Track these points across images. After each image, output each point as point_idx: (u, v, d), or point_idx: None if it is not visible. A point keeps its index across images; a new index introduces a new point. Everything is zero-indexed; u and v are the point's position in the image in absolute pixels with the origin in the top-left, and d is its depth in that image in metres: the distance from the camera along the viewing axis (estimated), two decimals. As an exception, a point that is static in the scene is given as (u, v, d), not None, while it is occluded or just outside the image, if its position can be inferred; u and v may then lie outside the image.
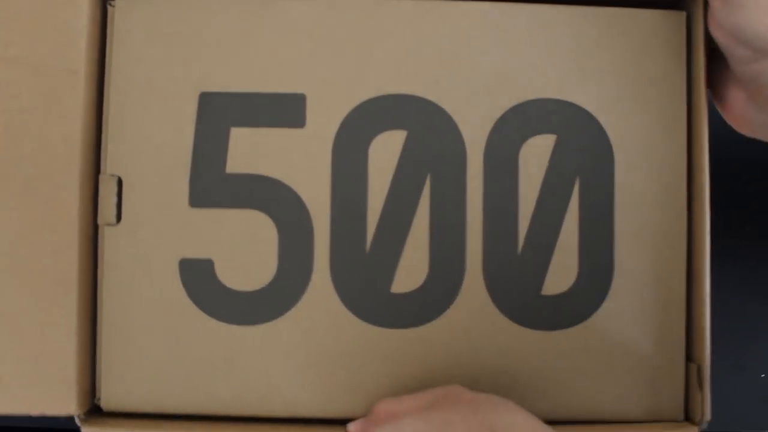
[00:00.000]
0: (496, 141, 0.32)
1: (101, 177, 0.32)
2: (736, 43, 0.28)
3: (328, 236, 0.32)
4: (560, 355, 0.32)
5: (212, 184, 0.32)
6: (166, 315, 0.32)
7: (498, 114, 0.33)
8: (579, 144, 0.33)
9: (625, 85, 0.33)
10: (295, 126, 0.32)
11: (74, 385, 0.31)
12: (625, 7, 0.33)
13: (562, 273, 0.32)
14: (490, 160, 0.32)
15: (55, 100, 0.31)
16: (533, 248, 0.32)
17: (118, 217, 0.32)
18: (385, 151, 0.32)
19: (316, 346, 0.32)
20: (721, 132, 0.33)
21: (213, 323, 0.32)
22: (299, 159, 0.32)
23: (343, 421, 0.31)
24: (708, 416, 0.31)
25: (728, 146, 0.34)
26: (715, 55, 0.31)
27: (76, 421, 0.30)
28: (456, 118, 0.32)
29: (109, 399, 0.32)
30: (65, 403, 0.30)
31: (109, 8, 0.33)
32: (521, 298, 0.32)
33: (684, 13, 0.33)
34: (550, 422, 0.28)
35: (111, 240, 0.32)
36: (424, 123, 0.32)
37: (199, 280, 0.32)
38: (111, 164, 0.32)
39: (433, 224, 0.32)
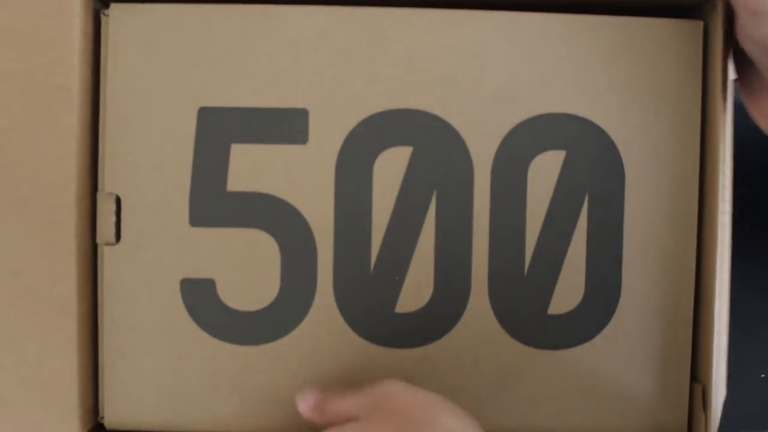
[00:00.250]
0: (504, 157, 0.32)
1: (99, 195, 0.31)
2: (766, 53, 0.28)
3: (331, 255, 0.31)
4: (565, 374, 0.32)
5: (213, 203, 0.31)
6: (168, 335, 0.31)
7: (506, 129, 0.32)
8: (589, 160, 0.32)
9: (637, 98, 0.32)
10: (298, 142, 0.31)
11: (76, 406, 0.30)
12: (639, 16, 0.32)
13: (568, 292, 0.32)
14: (497, 176, 0.32)
15: (48, 118, 0.30)
16: (540, 267, 0.32)
17: (117, 237, 0.31)
18: (391, 168, 0.31)
19: (319, 366, 0.32)
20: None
21: (215, 343, 0.31)
22: (302, 176, 0.31)
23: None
24: (711, 436, 0.31)
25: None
26: (746, 64, 0.30)
27: (80, 442, 0.30)
28: (463, 133, 0.31)
29: (112, 418, 0.32)
30: (68, 424, 0.30)
31: (103, 18, 0.31)
32: (527, 318, 0.32)
33: (701, 23, 0.32)
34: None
35: (111, 259, 0.31)
36: (431, 139, 0.31)
37: (201, 300, 0.31)
38: (109, 182, 0.31)
39: (438, 242, 0.32)
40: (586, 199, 0.32)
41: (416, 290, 0.32)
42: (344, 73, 0.31)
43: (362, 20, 0.31)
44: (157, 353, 0.31)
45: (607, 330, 0.32)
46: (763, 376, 0.44)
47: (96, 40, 0.31)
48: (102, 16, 0.31)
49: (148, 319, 0.31)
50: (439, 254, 0.32)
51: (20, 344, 0.30)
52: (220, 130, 0.31)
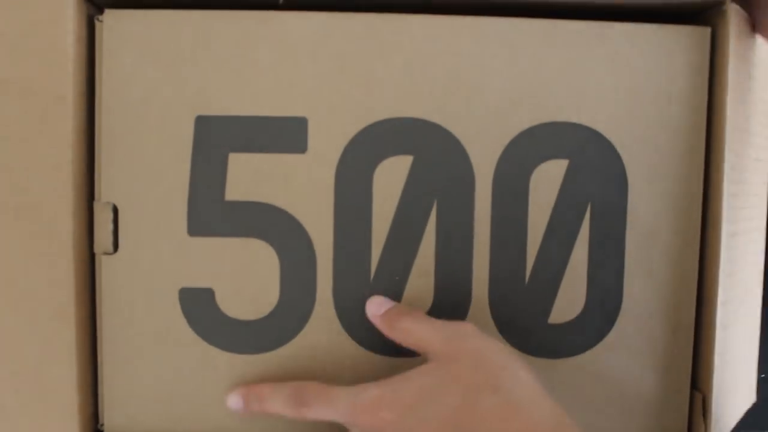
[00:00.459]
0: (505, 166, 0.31)
1: (96, 205, 0.31)
2: None
3: (331, 264, 0.31)
4: (566, 383, 0.32)
5: (211, 212, 0.31)
6: (167, 344, 0.31)
7: (508, 138, 0.31)
8: (592, 169, 0.31)
9: (642, 107, 0.31)
10: (297, 151, 0.31)
11: (76, 413, 0.30)
12: (644, 22, 0.31)
13: (570, 301, 0.32)
14: (499, 186, 0.31)
15: (44, 127, 0.30)
16: (541, 276, 0.31)
17: (115, 246, 0.31)
18: (391, 177, 0.31)
19: (319, 374, 0.31)
20: (739, 157, 0.31)
21: (214, 352, 0.31)
22: (301, 186, 0.31)
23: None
24: (710, 444, 0.32)
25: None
26: None
27: (81, 451, 0.30)
28: (464, 142, 0.31)
29: (112, 425, 0.32)
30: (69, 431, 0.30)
31: (97, 24, 0.31)
32: (527, 327, 0.32)
33: (708, 29, 0.31)
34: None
35: (108, 269, 0.31)
36: (431, 148, 0.31)
37: (200, 309, 0.31)
38: (105, 191, 0.31)
39: (438, 252, 0.31)
40: (589, 208, 0.32)
41: (416, 299, 0.31)
42: (344, 80, 0.31)
43: (362, 27, 0.31)
44: (156, 361, 0.31)
45: (608, 339, 0.32)
46: (763, 375, 0.44)
47: (90, 46, 0.31)
48: (96, 22, 0.31)
49: (147, 328, 0.31)
50: (440, 263, 0.31)
51: (19, 352, 0.30)
52: (217, 139, 0.31)
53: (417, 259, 0.31)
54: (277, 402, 0.30)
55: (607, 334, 0.32)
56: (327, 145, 0.31)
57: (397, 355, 0.32)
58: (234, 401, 0.31)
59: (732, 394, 0.32)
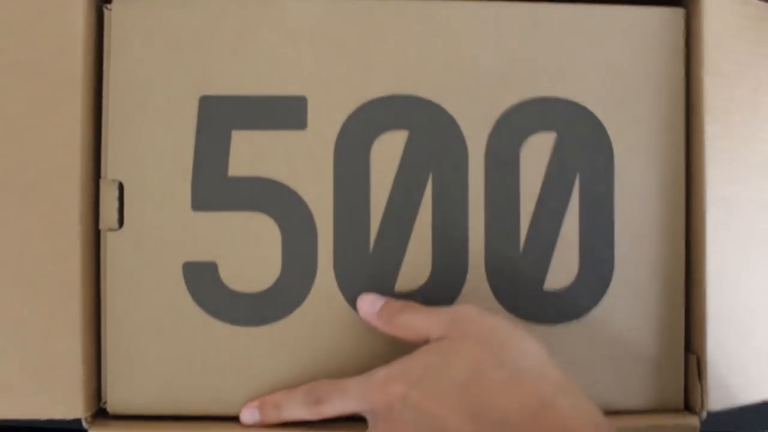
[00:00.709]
0: (497, 139, 0.33)
1: (102, 182, 0.32)
2: None
3: (331, 237, 0.32)
4: (563, 348, 0.33)
5: (214, 188, 0.32)
6: (171, 318, 0.32)
7: (498, 113, 0.33)
8: (579, 141, 0.33)
9: (624, 82, 0.33)
10: (297, 128, 0.32)
11: (80, 389, 0.31)
12: (623, 4, 0.33)
13: (563, 268, 0.33)
14: (491, 158, 0.33)
15: (53, 106, 0.31)
16: (535, 244, 0.33)
17: (120, 222, 0.32)
18: (387, 152, 0.32)
19: (321, 345, 0.32)
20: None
21: (218, 325, 0.32)
22: (301, 161, 0.32)
23: (350, 420, 0.31)
24: (708, 405, 0.32)
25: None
26: None
27: (83, 423, 0.30)
28: (457, 117, 0.33)
29: (115, 402, 0.32)
30: (72, 407, 0.30)
31: (106, 12, 0.32)
32: (524, 294, 0.33)
33: (683, 10, 0.33)
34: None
35: (114, 245, 0.32)
36: (426, 123, 0.32)
37: (204, 282, 0.32)
38: (112, 169, 0.32)
39: (435, 223, 0.32)
40: (578, 177, 0.33)
41: (415, 269, 0.32)
42: (341, 61, 0.32)
43: (358, 10, 0.33)
44: (159, 336, 0.32)
45: (603, 304, 0.33)
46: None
47: (99, 32, 0.32)
48: (105, 10, 0.32)
49: (151, 303, 0.32)
50: (437, 234, 0.32)
51: (24, 328, 0.30)
52: (220, 117, 0.32)
53: (414, 230, 0.32)
54: (293, 406, 0.30)
55: (602, 299, 0.33)
56: (326, 122, 0.32)
57: (398, 325, 0.32)
58: (249, 415, 0.31)
59: (743, 357, 0.32)
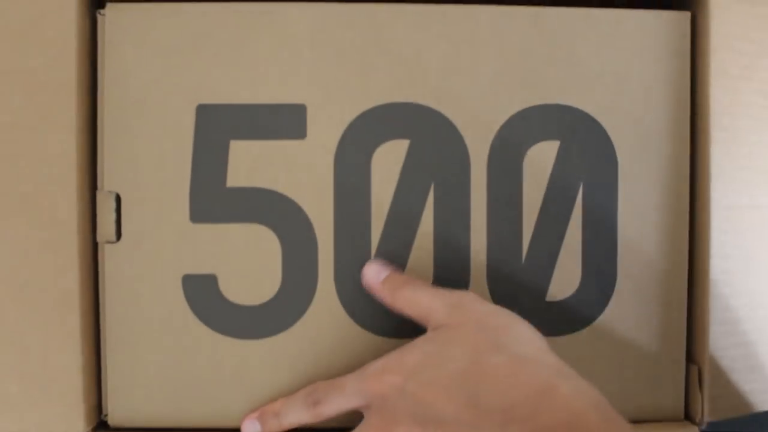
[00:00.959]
0: (499, 148, 0.32)
1: (99, 194, 0.31)
2: None
3: (332, 248, 0.32)
4: (564, 359, 0.32)
5: (213, 199, 0.31)
6: (171, 331, 0.31)
7: (501, 121, 0.32)
8: (583, 149, 0.32)
9: (628, 88, 0.32)
10: (296, 137, 0.32)
11: (81, 403, 0.31)
12: (628, 8, 0.33)
13: (566, 278, 0.33)
14: (493, 167, 0.32)
15: (48, 116, 0.30)
16: (537, 255, 0.32)
17: (118, 234, 0.31)
18: (388, 161, 0.32)
19: (322, 357, 0.32)
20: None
21: (218, 338, 0.32)
22: (301, 171, 0.32)
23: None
24: (708, 416, 0.32)
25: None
26: None
27: (85, 439, 0.30)
28: (459, 125, 0.32)
29: (116, 415, 0.32)
30: (73, 421, 0.30)
31: (99, 17, 0.31)
32: (525, 305, 0.32)
33: (688, 14, 0.33)
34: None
35: (112, 257, 0.31)
36: (427, 132, 0.32)
37: (203, 295, 0.31)
38: (108, 180, 0.31)
39: (437, 233, 0.32)
40: (581, 187, 0.32)
41: (416, 281, 0.32)
42: (341, 68, 0.32)
43: (358, 16, 0.32)
44: (159, 349, 0.31)
45: (605, 315, 0.33)
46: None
47: (93, 39, 0.31)
48: (98, 15, 0.31)
49: (151, 316, 0.31)
50: (438, 245, 0.32)
51: (23, 341, 0.30)
52: (218, 127, 0.31)
53: (416, 240, 0.32)
54: (293, 411, 0.30)
55: (604, 310, 0.33)
56: (326, 131, 0.32)
57: (400, 336, 0.32)
58: (250, 426, 0.31)
59: (745, 368, 0.32)
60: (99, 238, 0.31)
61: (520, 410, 0.26)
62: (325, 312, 0.32)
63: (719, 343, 0.32)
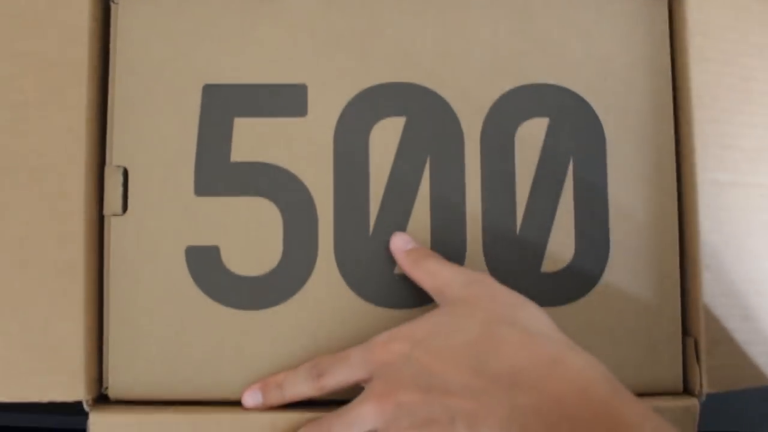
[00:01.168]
0: (491, 125, 0.34)
1: (107, 168, 0.33)
2: None
3: (331, 220, 0.33)
4: (561, 330, 0.33)
5: (217, 173, 0.33)
6: (173, 302, 0.32)
7: (493, 99, 0.34)
8: (571, 126, 0.34)
9: (612, 69, 0.34)
10: (297, 115, 0.33)
11: (82, 373, 0.31)
12: None
13: (559, 251, 0.33)
14: (486, 143, 0.33)
15: (59, 93, 0.32)
16: (531, 227, 0.33)
17: (125, 208, 0.32)
18: (386, 137, 0.33)
19: (322, 328, 0.32)
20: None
21: (220, 309, 0.32)
22: (302, 147, 0.33)
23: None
24: (706, 388, 0.32)
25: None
26: None
27: (85, 406, 0.30)
28: (453, 103, 0.34)
29: (117, 387, 0.32)
30: (73, 390, 0.30)
31: (113, 6, 0.33)
32: (521, 276, 0.33)
33: (665, 1, 0.35)
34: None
35: (117, 230, 0.32)
36: (423, 109, 0.33)
37: (206, 266, 0.32)
38: (117, 155, 0.33)
39: (433, 206, 0.33)
40: (571, 162, 0.34)
41: (414, 252, 0.33)
42: (340, 50, 0.34)
43: (355, 3, 0.34)
44: (161, 318, 0.32)
45: (599, 286, 0.33)
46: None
47: (106, 24, 0.33)
48: (111, 4, 0.33)
49: (154, 287, 0.32)
50: (435, 217, 0.33)
51: (28, 308, 0.31)
52: (223, 105, 0.33)
53: (413, 213, 0.33)
54: (296, 383, 0.30)
55: (598, 282, 0.33)
56: (325, 109, 0.33)
57: (399, 307, 0.33)
58: (251, 397, 0.31)
59: (742, 340, 0.33)
60: (106, 211, 0.32)
61: (528, 375, 0.26)
62: (326, 283, 0.32)
63: (713, 314, 0.33)
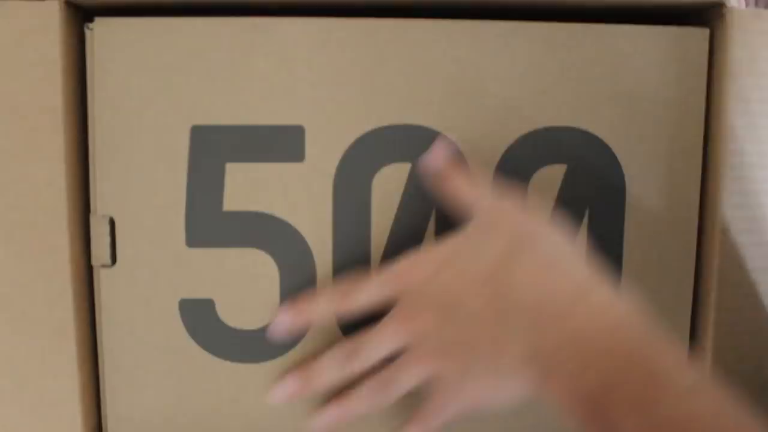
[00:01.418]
0: (504, 173, 0.31)
1: (92, 218, 0.31)
2: None
3: (330, 273, 0.31)
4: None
5: (209, 223, 0.31)
6: (169, 355, 0.31)
7: (507, 144, 0.31)
8: (590, 173, 0.31)
9: (639, 110, 0.31)
10: (294, 160, 0.31)
11: (80, 429, 0.31)
12: (641, 23, 0.31)
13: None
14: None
15: (35, 141, 0.29)
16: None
17: (113, 259, 0.31)
18: (389, 185, 0.31)
19: (321, 382, 0.32)
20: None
21: (216, 362, 0.31)
22: (299, 195, 0.31)
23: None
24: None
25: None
26: None
27: (85, 464, 0.31)
28: (463, 148, 0.31)
29: (116, 436, 0.32)
30: (73, 445, 0.31)
31: (87, 33, 0.30)
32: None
33: (707, 30, 0.31)
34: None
35: (107, 281, 0.31)
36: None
37: (201, 319, 0.31)
38: (101, 204, 0.31)
39: (438, 258, 0.31)
40: (587, 212, 0.32)
41: (416, 307, 0.31)
42: (341, 87, 0.30)
43: (359, 32, 0.30)
44: (158, 372, 0.31)
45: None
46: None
47: (81, 55, 0.30)
48: (86, 30, 0.30)
49: (148, 340, 0.31)
50: (439, 270, 0.31)
51: (22, 368, 0.30)
52: (214, 149, 0.30)
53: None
54: (321, 304, 0.30)
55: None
56: (324, 154, 0.31)
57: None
58: (278, 324, 0.30)
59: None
60: (94, 262, 0.31)
61: (552, 310, 0.25)
62: (324, 336, 0.32)
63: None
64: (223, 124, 0.30)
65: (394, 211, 0.31)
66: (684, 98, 0.31)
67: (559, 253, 0.27)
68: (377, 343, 0.28)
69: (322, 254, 0.31)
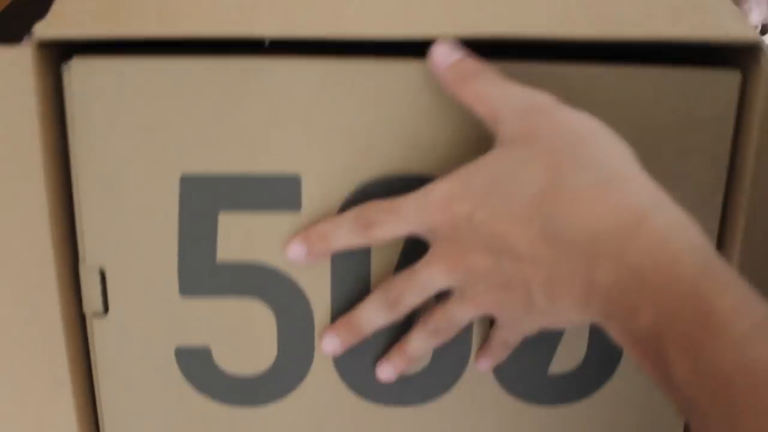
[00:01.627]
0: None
1: (82, 268, 0.30)
2: None
3: (329, 320, 0.31)
4: (566, 429, 0.32)
5: (203, 273, 0.30)
6: (167, 402, 0.31)
7: (515, 194, 0.29)
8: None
9: (658, 157, 0.29)
10: (290, 210, 0.29)
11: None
12: (666, 65, 0.28)
13: (570, 352, 0.32)
14: (503, 242, 0.30)
15: (15, 193, 0.28)
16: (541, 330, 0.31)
17: (105, 308, 0.30)
18: (389, 235, 0.30)
19: (320, 426, 0.32)
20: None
21: (215, 407, 0.31)
22: (296, 245, 0.29)
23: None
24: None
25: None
26: None
27: None
28: (468, 198, 0.29)
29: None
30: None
31: (65, 74, 0.28)
32: (528, 378, 0.32)
33: (738, 73, 0.29)
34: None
35: (100, 331, 0.30)
36: (433, 205, 0.29)
37: (198, 367, 0.31)
38: (90, 254, 0.29)
39: (439, 307, 0.31)
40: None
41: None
42: (339, 134, 0.29)
43: (358, 75, 0.28)
44: (157, 420, 0.31)
45: (608, 387, 0.32)
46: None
47: (59, 99, 0.28)
48: (63, 70, 0.28)
49: (146, 387, 0.31)
50: (440, 319, 0.31)
51: (19, 424, 0.30)
52: (205, 198, 0.29)
53: (416, 316, 0.31)
54: (342, 233, 0.27)
55: (607, 383, 0.32)
56: (322, 204, 0.29)
57: (400, 404, 0.32)
58: (296, 250, 0.28)
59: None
60: (86, 310, 0.30)
61: (604, 245, 0.22)
62: (323, 382, 0.31)
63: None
64: (215, 173, 0.29)
65: (395, 261, 0.30)
66: (706, 146, 0.29)
67: (611, 163, 0.23)
68: (426, 283, 0.26)
69: (320, 303, 0.30)
